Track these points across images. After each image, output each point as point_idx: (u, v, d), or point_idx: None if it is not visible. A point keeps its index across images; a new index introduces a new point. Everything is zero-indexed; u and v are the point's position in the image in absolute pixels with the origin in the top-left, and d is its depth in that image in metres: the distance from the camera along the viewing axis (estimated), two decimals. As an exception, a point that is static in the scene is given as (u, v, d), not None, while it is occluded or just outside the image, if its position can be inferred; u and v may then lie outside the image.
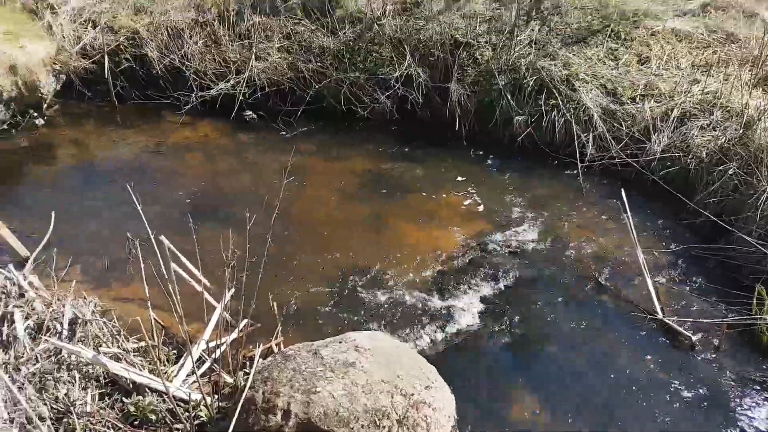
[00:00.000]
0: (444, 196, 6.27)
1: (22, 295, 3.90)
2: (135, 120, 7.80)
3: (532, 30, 7.45)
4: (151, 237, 3.82)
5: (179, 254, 4.23)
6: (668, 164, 6.12)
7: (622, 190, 5.34)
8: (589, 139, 6.57)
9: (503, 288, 4.98)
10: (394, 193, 6.31)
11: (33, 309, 3.72)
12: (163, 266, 3.64)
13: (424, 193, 6.31)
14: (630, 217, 5.08)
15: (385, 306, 4.73)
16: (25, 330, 3.52)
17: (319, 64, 7.64)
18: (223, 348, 3.76)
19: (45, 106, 7.76)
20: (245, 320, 4.05)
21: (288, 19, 8.04)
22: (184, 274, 4.18)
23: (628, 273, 5.14)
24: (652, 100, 6.59)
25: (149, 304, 3.97)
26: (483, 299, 4.83)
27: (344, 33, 7.78)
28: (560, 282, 5.08)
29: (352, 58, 7.65)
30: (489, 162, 6.96)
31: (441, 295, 4.87)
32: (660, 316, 4.60)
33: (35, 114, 7.57)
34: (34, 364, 3.32)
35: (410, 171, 6.74)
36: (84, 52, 8.07)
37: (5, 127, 7.34)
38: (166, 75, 8.00)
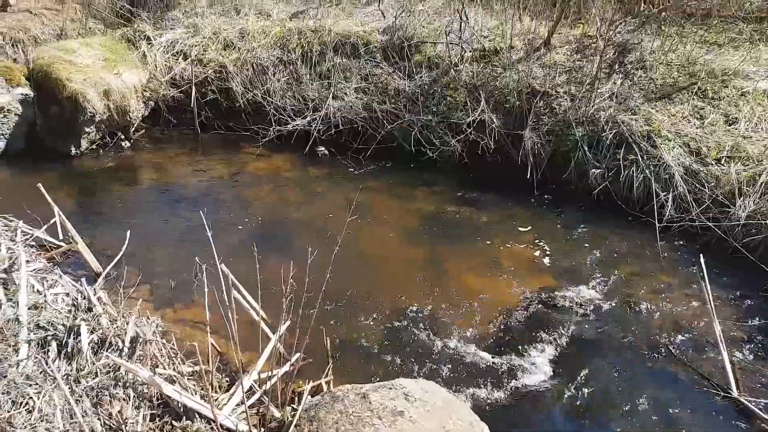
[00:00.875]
0: (509, 244, 6.10)
1: (90, 309, 4.05)
2: (215, 149, 8.14)
3: (614, 83, 7.28)
4: (217, 264, 3.93)
5: (239, 284, 4.29)
6: (753, 231, 5.71)
7: (701, 255, 5.00)
8: (668, 198, 6.25)
9: (567, 348, 4.72)
10: (457, 238, 6.21)
11: (99, 324, 3.85)
12: (224, 293, 3.71)
13: (488, 241, 6.16)
14: (708, 285, 4.73)
15: (439, 354, 4.58)
16: (88, 344, 3.64)
17: (393, 105, 7.76)
18: (273, 380, 3.74)
19: (132, 129, 8.25)
20: (298, 354, 4.02)
21: (367, 61, 8.25)
22: (244, 303, 4.23)
23: (703, 344, 4.75)
24: (739, 163, 6.21)
25: (208, 329, 4.05)
26: (544, 359, 4.59)
27: (420, 77, 7.88)
28: (629, 347, 4.76)
29: (426, 101, 7.72)
30: (560, 213, 6.74)
31: (499, 349, 4.67)
32: (735, 394, 4.20)
33: (122, 136, 8.06)
34: (93, 378, 3.41)
35: (475, 216, 6.63)
36: (173, 82, 8.57)
37: (94, 147, 7.84)
38: (248, 108, 8.36)
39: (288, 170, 7.64)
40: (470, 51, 7.97)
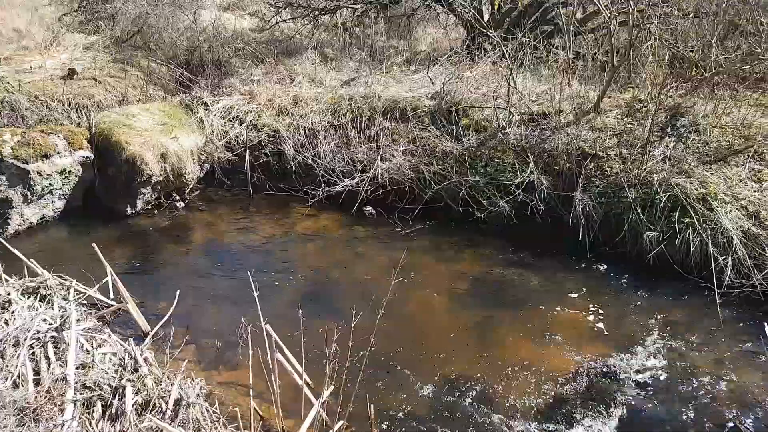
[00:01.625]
0: (561, 310, 5.85)
1: (136, 370, 4.05)
2: (266, 209, 8.28)
3: (666, 146, 7.11)
4: (262, 325, 3.90)
5: (283, 346, 4.22)
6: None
7: (766, 324, 4.64)
8: (727, 263, 5.92)
9: (625, 423, 4.39)
10: (506, 302, 6.01)
11: (144, 385, 3.83)
12: (269, 356, 3.66)
13: (539, 305, 5.93)
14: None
15: (488, 427, 4.33)
16: (132, 405, 3.60)
17: (440, 167, 7.79)
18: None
19: (188, 190, 8.52)
20: (341, 422, 3.89)
21: (415, 125, 8.38)
22: (287, 366, 4.14)
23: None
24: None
25: (251, 392, 3.98)
26: (602, 435, 4.28)
27: (468, 139, 7.93)
28: (691, 422, 4.39)
29: (474, 162, 7.72)
30: (614, 278, 6.46)
31: (550, 422, 4.39)
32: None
33: (177, 197, 8.32)
34: (136, 442, 3.36)
35: (525, 279, 6.43)
36: (228, 146, 8.88)
37: (149, 207, 8.12)
38: (299, 170, 8.55)
39: (335, 230, 7.68)
40: (518, 114, 8.00)
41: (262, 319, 4.04)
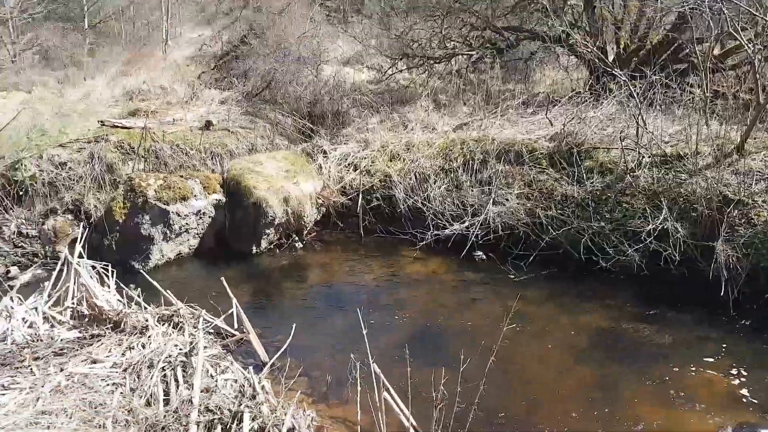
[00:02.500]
0: (697, 371, 5.27)
1: (254, 397, 4.21)
2: (375, 251, 8.45)
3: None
4: (370, 364, 3.91)
5: (389, 387, 4.18)
6: None
7: None
8: None
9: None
10: (633, 360, 5.51)
11: (260, 411, 3.96)
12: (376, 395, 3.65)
13: (672, 365, 5.37)
14: None
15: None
16: (249, 431, 3.73)
17: (559, 211, 7.51)
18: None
19: (305, 232, 8.93)
20: (450, 470, 3.74)
21: (531, 168, 8.21)
22: (394, 406, 4.09)
23: None
24: None
25: (359, 429, 3.97)
26: None
27: (591, 183, 7.59)
28: None
29: (598, 207, 7.36)
30: (761, 337, 5.75)
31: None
32: None
33: (296, 238, 8.75)
34: (250, 467, 3.46)
35: (655, 336, 5.88)
36: (343, 190, 9.26)
37: (271, 247, 8.59)
38: (408, 213, 8.67)
39: (444, 274, 7.62)
40: (649, 156, 7.54)
41: (370, 357, 4.06)
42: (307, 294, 7.34)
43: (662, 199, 7.01)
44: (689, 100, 8.20)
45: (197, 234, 8.33)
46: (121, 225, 7.71)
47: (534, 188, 8.06)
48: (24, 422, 3.50)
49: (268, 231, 8.39)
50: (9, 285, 7.14)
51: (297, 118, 10.92)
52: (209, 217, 8.35)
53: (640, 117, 7.71)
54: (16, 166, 8.37)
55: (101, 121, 9.64)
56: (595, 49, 9.62)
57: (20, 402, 3.89)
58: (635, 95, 7.91)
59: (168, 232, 7.92)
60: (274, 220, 8.26)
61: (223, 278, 5.84)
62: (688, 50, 9.27)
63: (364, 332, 4.05)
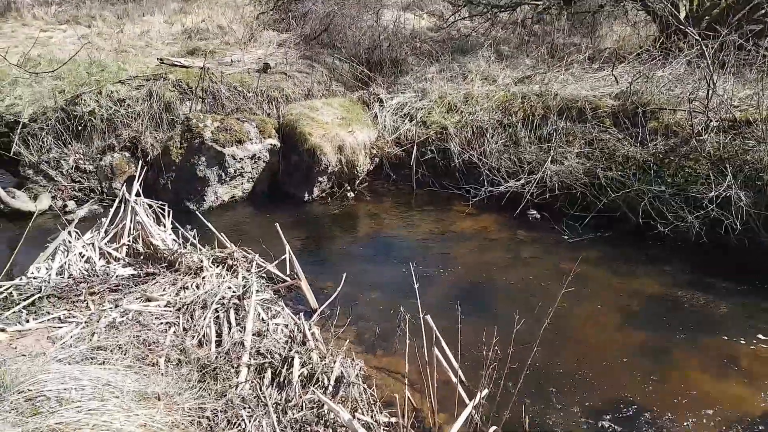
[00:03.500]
0: (755, 343, 5.05)
1: (303, 343, 4.28)
2: (427, 205, 8.36)
3: None
4: (420, 317, 3.89)
5: (442, 340, 4.17)
6: None
7: None
8: None
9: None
10: (687, 329, 5.33)
11: (309, 358, 4.03)
12: (425, 348, 3.64)
13: (725, 336, 5.18)
14: None
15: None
16: (298, 376, 3.81)
17: (620, 172, 7.18)
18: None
19: (357, 181, 8.89)
20: (494, 427, 3.74)
21: (594, 126, 7.84)
22: (443, 361, 4.09)
23: None
24: None
25: (406, 381, 4.00)
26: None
27: (654, 145, 7.21)
28: None
29: (659, 170, 7.00)
30: (829, 315, 5.44)
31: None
32: None
33: (348, 187, 8.73)
34: (299, 412, 3.54)
35: (711, 305, 5.66)
36: (397, 141, 9.10)
37: (323, 195, 8.61)
38: (463, 168, 8.49)
39: (496, 231, 7.47)
40: (717, 120, 7.08)
41: (421, 311, 4.04)
42: (357, 244, 7.36)
43: (727, 165, 6.60)
44: (763, 63, 7.56)
45: (251, 178, 8.42)
46: (177, 165, 7.87)
47: (595, 147, 7.71)
48: (80, 356, 3.68)
49: (321, 179, 8.40)
50: (66, 219, 7.47)
51: (355, 64, 10.67)
52: (263, 161, 8.40)
53: (710, 79, 7.17)
54: (76, 101, 8.56)
55: (160, 59, 9.71)
56: (667, 4, 8.93)
57: (77, 336, 4.08)
58: (707, 56, 7.34)
59: (223, 174, 8.03)
60: (327, 168, 8.24)
61: (277, 224, 5.90)
62: (765, 10, 8.50)
63: (416, 286, 4.01)
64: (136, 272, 5.24)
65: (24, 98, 9.15)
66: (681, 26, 8.30)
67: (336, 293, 5.59)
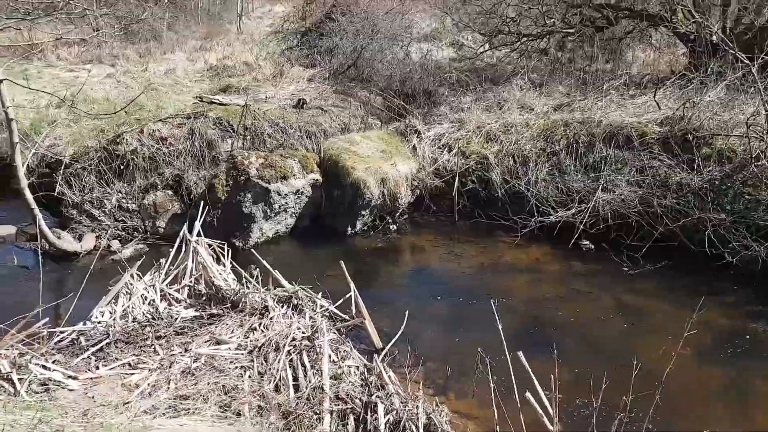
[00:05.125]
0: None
1: (382, 387, 4.12)
2: (471, 236, 8.23)
3: None
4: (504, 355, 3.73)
5: (536, 381, 3.98)
6: None
7: None
8: None
9: None
10: (762, 362, 5.12)
11: (391, 403, 3.87)
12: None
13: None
14: None
15: None
16: (385, 424, 3.65)
17: (675, 200, 7.03)
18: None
19: (397, 214, 8.79)
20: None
21: (641, 153, 7.73)
22: (537, 406, 3.89)
23: None
24: None
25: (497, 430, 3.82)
26: None
27: (709, 171, 7.07)
28: None
29: (717, 198, 6.84)
30: None
31: None
32: None
33: (390, 220, 8.63)
34: (393, 463, 3.37)
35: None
36: (436, 172, 9.03)
37: (365, 228, 8.52)
38: (506, 198, 8.37)
39: (548, 263, 7.31)
40: (773, 144, 6.94)
41: (506, 348, 3.88)
42: (406, 277, 7.24)
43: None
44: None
45: (294, 213, 8.36)
46: (222, 202, 7.83)
47: (646, 175, 7.58)
48: (163, 405, 3.55)
49: (363, 212, 8.31)
50: (112, 258, 7.41)
51: (390, 96, 10.65)
52: (306, 196, 8.35)
53: (766, 102, 7.03)
54: (118, 140, 8.60)
55: (199, 97, 9.79)
56: (707, 25, 8.87)
57: (153, 383, 3.96)
58: (756, 78, 7.20)
59: (268, 210, 7.97)
60: (370, 202, 8.17)
61: (342, 262, 5.80)
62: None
63: (499, 326, 3.86)
64: (198, 314, 5.14)
65: (64, 138, 9.24)
66: (726, 48, 8.18)
67: (400, 331, 5.40)
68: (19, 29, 14.38)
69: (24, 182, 6.42)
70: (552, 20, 10.75)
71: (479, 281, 6.94)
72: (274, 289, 5.66)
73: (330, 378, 4.13)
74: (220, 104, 9.58)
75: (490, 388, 3.84)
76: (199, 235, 5.93)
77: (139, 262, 5.66)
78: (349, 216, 8.31)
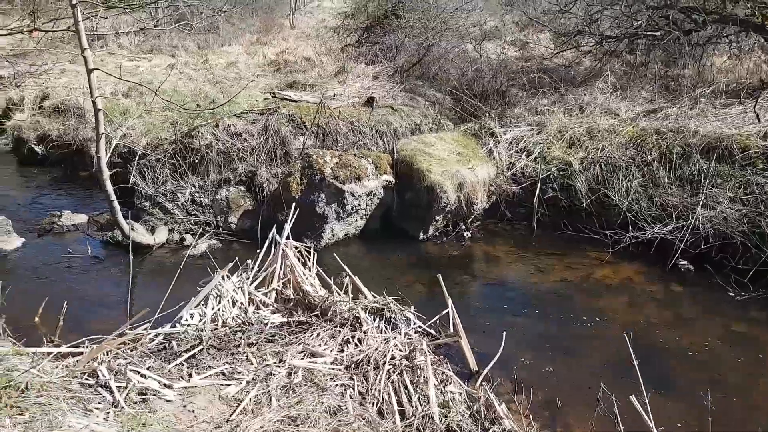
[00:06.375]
0: None
1: (494, 421, 3.77)
2: (551, 248, 7.76)
3: None
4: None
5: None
6: None
7: None
8: None
9: None
10: None
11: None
12: None
13: None
14: None
15: None
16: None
17: (787, 222, 6.45)
18: None
19: (469, 220, 8.40)
20: None
21: (745, 168, 7.14)
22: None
23: None
24: None
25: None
26: None
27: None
28: None
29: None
30: None
31: None
32: None
33: (463, 227, 8.25)
34: None
35: None
36: (513, 178, 8.60)
37: (437, 234, 8.16)
38: (591, 209, 7.89)
39: (643, 283, 6.80)
40: None
41: (645, 391, 3.48)
42: (485, 290, 6.85)
43: None
44: None
45: (364, 215, 8.07)
46: (296, 201, 7.59)
47: (749, 192, 6.99)
48: (272, 427, 3.28)
49: (437, 217, 7.96)
50: (187, 253, 7.27)
51: (467, 96, 10.22)
52: (377, 198, 8.05)
53: None
54: (192, 134, 8.47)
55: (271, 93, 9.61)
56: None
57: (253, 398, 3.70)
58: None
59: (341, 211, 7.71)
60: (446, 207, 7.80)
61: (439, 276, 5.45)
62: None
63: (635, 362, 3.45)
64: (286, 320, 4.88)
65: (136, 129, 9.18)
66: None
67: (498, 354, 4.98)
68: (106, 17, 14.56)
69: (106, 173, 6.30)
70: (639, 22, 10.13)
71: (568, 299, 6.49)
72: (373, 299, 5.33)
73: (437, 406, 3.80)
74: (291, 100, 9.37)
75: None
76: (288, 237, 5.67)
77: (230, 264, 5.43)
78: (422, 221, 7.97)
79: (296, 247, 5.64)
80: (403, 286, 6.27)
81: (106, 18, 15.55)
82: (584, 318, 6.05)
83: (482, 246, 8.04)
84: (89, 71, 5.71)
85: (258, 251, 5.67)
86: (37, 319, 5.48)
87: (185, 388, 3.78)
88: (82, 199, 9.34)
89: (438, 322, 5.31)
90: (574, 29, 11.02)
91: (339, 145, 8.62)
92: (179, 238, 7.66)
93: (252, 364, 4.18)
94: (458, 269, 7.38)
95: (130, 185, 7.96)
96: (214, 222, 7.95)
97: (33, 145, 10.98)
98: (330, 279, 5.61)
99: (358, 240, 8.13)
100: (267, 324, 4.76)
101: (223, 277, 5.08)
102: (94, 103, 5.83)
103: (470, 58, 12.45)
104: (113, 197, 6.54)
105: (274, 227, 5.96)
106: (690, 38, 10.62)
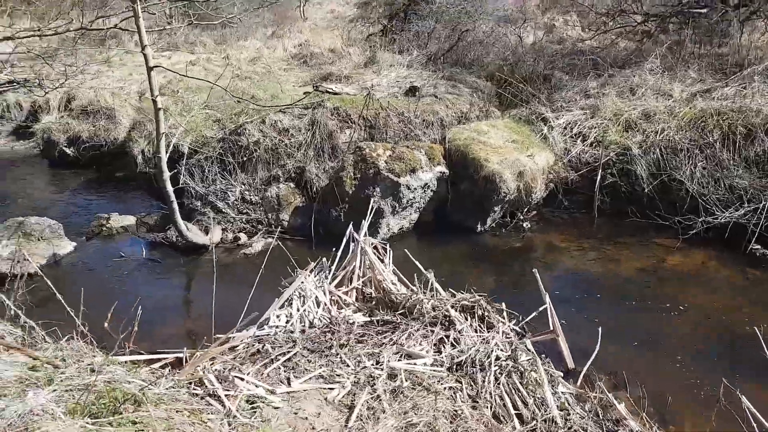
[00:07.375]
0: None
1: (617, 421, 3.57)
2: (616, 237, 7.52)
3: None
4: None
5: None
6: None
7: None
8: None
9: None
10: None
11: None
12: None
13: None
14: None
15: None
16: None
17: None
18: None
19: (526, 209, 8.17)
20: None
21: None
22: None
23: None
24: None
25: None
26: None
27: None
28: None
29: None
30: None
31: None
32: None
33: (521, 217, 8.03)
34: None
35: None
36: (570, 164, 8.34)
37: (494, 225, 7.95)
38: (654, 194, 7.63)
39: (716, 269, 6.56)
40: None
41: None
42: (556, 282, 6.57)
43: None
44: None
45: (418, 208, 7.88)
46: (350, 196, 7.41)
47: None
48: (393, 434, 3.11)
49: (496, 208, 7.75)
50: (244, 253, 7.15)
51: (515, 81, 9.91)
52: (432, 190, 7.84)
53: None
54: (239, 131, 8.30)
55: (315, 86, 9.39)
56: None
57: (364, 404, 3.53)
58: None
59: (396, 205, 7.51)
60: (505, 197, 7.57)
61: (535, 270, 5.25)
62: None
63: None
64: (369, 319, 4.70)
65: (179, 127, 9.01)
66: None
67: (596, 351, 4.75)
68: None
69: (167, 173, 6.16)
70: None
71: (645, 288, 6.26)
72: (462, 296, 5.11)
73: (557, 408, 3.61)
74: (333, 93, 9.16)
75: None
76: (365, 235, 5.49)
77: (313, 264, 5.26)
78: (479, 212, 7.76)
79: (374, 245, 5.45)
80: (474, 281, 6.06)
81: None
82: (665, 307, 5.83)
83: (543, 236, 7.81)
84: (149, 69, 5.54)
85: (334, 249, 5.48)
86: (106, 324, 5.33)
87: (288, 393, 3.63)
88: (124, 201, 9.22)
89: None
90: (616, 8, 10.67)
91: (388, 136, 8.41)
92: (233, 237, 7.51)
93: (348, 366, 4.01)
94: (523, 261, 7.18)
95: (180, 185, 7.81)
96: (266, 220, 7.79)
97: (64, 147, 10.87)
98: (422, 278, 5.40)
99: (413, 233, 7.95)
100: (353, 324, 4.58)
101: (306, 277, 4.90)
102: (154, 101, 5.66)
103: (506, 43, 12.16)
104: (173, 197, 6.39)
105: (351, 225, 5.77)
106: (737, 13, 10.25)
